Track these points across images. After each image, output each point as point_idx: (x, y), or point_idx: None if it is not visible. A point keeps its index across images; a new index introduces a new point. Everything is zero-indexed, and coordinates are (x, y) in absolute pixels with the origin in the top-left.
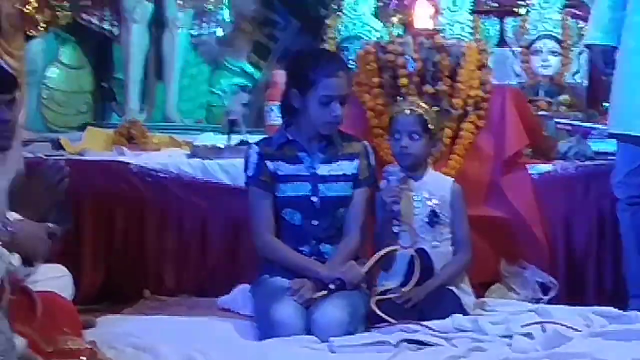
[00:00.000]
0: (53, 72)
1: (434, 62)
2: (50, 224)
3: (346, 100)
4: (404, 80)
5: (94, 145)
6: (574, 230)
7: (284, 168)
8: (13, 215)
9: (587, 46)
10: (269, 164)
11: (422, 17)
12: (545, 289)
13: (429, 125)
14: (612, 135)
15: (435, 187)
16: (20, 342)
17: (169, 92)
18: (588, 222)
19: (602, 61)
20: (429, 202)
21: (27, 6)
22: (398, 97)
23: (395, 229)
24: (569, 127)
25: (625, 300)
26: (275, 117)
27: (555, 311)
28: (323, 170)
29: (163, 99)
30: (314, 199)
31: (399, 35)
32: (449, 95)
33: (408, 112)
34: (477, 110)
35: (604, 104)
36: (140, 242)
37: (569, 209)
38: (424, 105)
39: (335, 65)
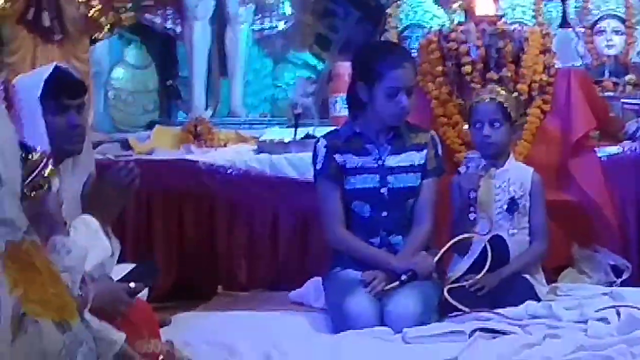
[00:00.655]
0: (119, 72)
1: (497, 49)
2: (132, 284)
3: (412, 91)
4: (467, 68)
5: (162, 144)
6: None
7: (352, 160)
8: (86, 220)
9: None
10: (337, 156)
11: (484, 4)
12: (618, 271)
13: (510, 113)
14: None
15: (516, 176)
16: (119, 337)
17: (234, 87)
18: None
19: None
20: (509, 190)
21: (91, 10)
22: (462, 85)
23: (472, 217)
24: (637, 107)
25: None
26: (340, 109)
27: (630, 294)
28: (391, 161)
29: (228, 95)
30: (383, 190)
31: (460, 23)
32: (514, 81)
33: (488, 100)
34: (542, 95)
35: None
36: (211, 239)
37: None
38: (503, 92)
39: (400, 57)
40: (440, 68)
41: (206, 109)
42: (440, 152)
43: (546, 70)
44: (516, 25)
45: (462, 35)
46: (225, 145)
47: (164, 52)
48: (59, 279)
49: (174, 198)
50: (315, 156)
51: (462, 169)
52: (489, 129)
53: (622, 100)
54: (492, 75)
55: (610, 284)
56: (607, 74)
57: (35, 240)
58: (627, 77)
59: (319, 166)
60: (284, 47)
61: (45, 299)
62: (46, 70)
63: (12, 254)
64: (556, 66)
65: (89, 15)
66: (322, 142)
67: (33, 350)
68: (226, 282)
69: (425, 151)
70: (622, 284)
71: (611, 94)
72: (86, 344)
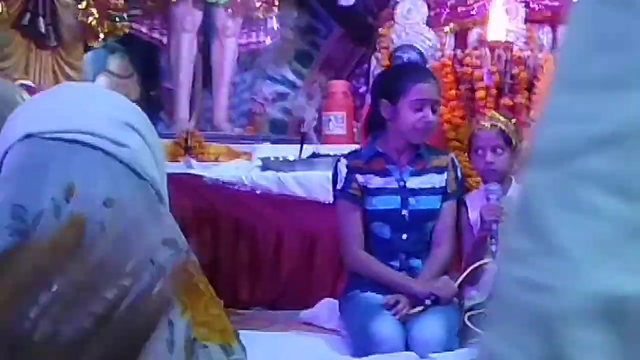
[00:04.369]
0: (101, 81)
1: (511, 75)
2: None
3: (438, 107)
4: (481, 93)
5: None
6: None
7: (374, 181)
8: None
9: None
10: (358, 177)
11: (498, 29)
12: None
13: (511, 139)
14: None
15: None
16: None
17: (218, 101)
18: None
19: None
20: None
21: (89, 18)
22: (475, 110)
23: (494, 248)
24: None
25: None
26: (333, 128)
27: None
28: (412, 183)
29: (209, 108)
30: (404, 212)
31: (475, 48)
32: (527, 107)
33: (489, 126)
34: None
35: None
36: (213, 256)
37: None
38: (503, 119)
39: (425, 72)
40: (453, 92)
41: (188, 121)
42: (460, 175)
43: None
44: (529, 52)
45: (477, 60)
46: (216, 160)
47: (147, 62)
48: (218, 300)
49: (177, 212)
50: (335, 175)
51: (480, 200)
52: (491, 155)
53: None
54: (506, 101)
55: None
56: None
57: (195, 260)
58: None
59: (339, 186)
60: (264, 62)
61: (210, 321)
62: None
63: (177, 275)
64: None
65: (88, 23)
66: (344, 162)
67: None
68: (228, 300)
69: (445, 174)
70: None
71: None
72: None
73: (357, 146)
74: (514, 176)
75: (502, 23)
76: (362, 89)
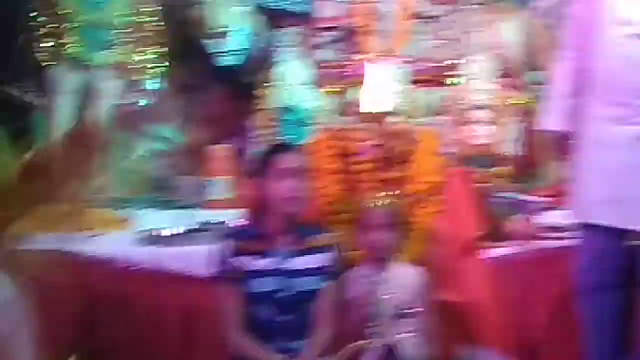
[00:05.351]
0: None
1: (388, 148)
2: None
3: (304, 178)
4: (359, 167)
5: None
6: (532, 313)
7: (254, 263)
8: None
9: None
10: (238, 258)
11: (373, 101)
12: None
13: (399, 216)
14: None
15: (402, 278)
16: None
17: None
18: (546, 304)
19: (557, 146)
20: (396, 294)
21: None
22: (353, 184)
23: (370, 331)
24: (508, 201)
25: None
26: (215, 193)
27: None
28: (293, 264)
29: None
30: (284, 294)
31: (354, 121)
32: (403, 181)
33: (379, 204)
34: (433, 196)
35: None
36: (90, 333)
37: (527, 291)
38: (393, 196)
39: (287, 145)
40: (331, 165)
41: None
42: (339, 254)
43: (438, 171)
44: (407, 125)
45: (356, 134)
46: (92, 228)
47: (20, 123)
48: None
49: (51, 291)
50: (216, 257)
51: (351, 282)
52: (380, 233)
53: (496, 194)
54: (384, 175)
55: None
56: (475, 164)
57: None
58: (496, 169)
59: (219, 267)
60: (142, 120)
61: None
62: None
63: None
64: (449, 168)
65: None
66: (224, 243)
67: None
68: None
69: (326, 254)
70: None
71: (481, 185)
72: None
73: (239, 210)
74: (397, 255)
75: (379, 91)
76: (243, 148)
